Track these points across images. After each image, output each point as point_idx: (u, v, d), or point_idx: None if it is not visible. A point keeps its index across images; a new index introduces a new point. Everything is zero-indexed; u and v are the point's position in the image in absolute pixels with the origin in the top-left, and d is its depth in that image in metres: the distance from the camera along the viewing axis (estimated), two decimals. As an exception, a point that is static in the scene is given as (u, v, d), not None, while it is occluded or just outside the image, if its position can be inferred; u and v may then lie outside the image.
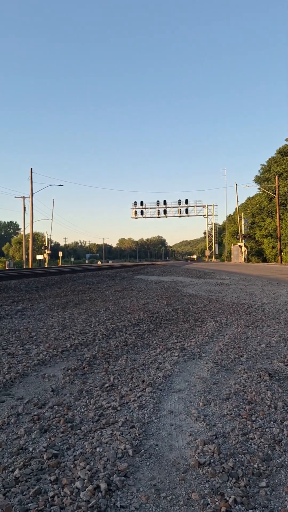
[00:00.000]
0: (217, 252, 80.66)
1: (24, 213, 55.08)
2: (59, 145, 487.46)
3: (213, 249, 79.82)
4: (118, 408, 2.38)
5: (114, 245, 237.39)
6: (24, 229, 59.65)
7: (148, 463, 1.78)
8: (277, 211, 41.20)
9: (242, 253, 51.54)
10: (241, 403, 2.44)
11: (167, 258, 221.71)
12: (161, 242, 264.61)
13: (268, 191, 47.97)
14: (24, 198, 54.32)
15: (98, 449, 1.88)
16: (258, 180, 58.18)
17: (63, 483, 1.61)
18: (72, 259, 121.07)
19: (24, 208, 54.42)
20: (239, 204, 61.85)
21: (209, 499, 1.51)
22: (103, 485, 1.56)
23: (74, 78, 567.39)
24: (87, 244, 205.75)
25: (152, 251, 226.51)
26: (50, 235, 66.67)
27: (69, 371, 3.13)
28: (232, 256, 59.41)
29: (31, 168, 49.29)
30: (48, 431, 2.10)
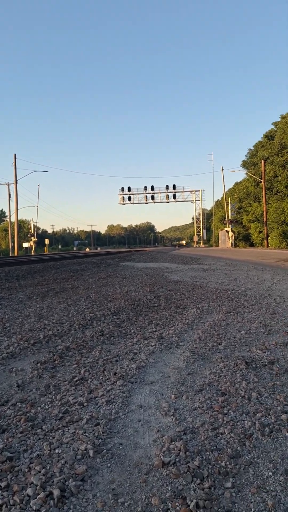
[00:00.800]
0: (205, 238, 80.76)
1: (9, 200, 54.29)
2: (44, 131, 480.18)
3: (201, 235, 79.89)
4: (85, 404, 2.26)
5: (103, 231, 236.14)
6: (10, 216, 58.85)
7: (109, 465, 1.67)
8: (264, 195, 41.18)
9: (229, 238, 51.61)
10: (214, 395, 2.35)
11: (156, 244, 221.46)
12: (150, 228, 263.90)
13: (254, 175, 47.86)
14: (8, 184, 53.43)
15: (57, 451, 1.76)
16: (245, 164, 57.98)
17: (14, 490, 1.49)
18: (60, 246, 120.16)
19: (9, 195, 53.59)
20: (226, 189, 61.72)
21: (169, 504, 1.41)
22: (56, 492, 1.45)
23: (59, 61, 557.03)
24: (75, 231, 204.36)
25: (141, 237, 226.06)
26: (36, 222, 65.91)
27: (39, 364, 3.00)
28: (219, 241, 59.49)
29: (15, 154, 48.33)
30: (6, 431, 1.98)
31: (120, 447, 1.81)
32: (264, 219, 41.26)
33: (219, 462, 1.66)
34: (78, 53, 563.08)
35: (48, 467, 1.63)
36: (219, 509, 1.38)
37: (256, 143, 56.42)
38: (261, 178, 42.23)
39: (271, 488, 1.49)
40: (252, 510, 1.38)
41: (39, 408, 2.23)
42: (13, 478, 1.57)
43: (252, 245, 54.57)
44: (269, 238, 42.94)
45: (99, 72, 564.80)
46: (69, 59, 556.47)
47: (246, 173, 54.54)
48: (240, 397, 2.30)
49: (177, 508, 1.39)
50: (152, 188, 76.15)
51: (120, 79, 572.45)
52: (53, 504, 1.40)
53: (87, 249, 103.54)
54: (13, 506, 1.40)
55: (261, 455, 1.71)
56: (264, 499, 1.43)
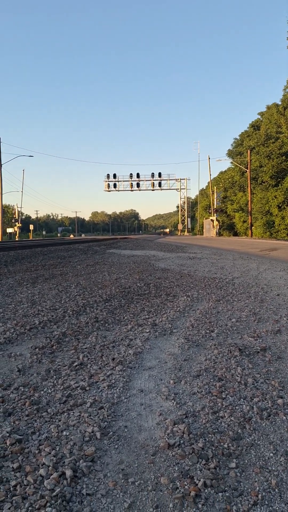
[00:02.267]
0: (189, 226, 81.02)
1: (-7, 184, 53.21)
2: (29, 116, 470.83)
3: (186, 223, 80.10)
4: (87, 388, 2.31)
5: (87, 218, 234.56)
6: (-6, 201, 57.81)
7: (116, 446, 1.72)
8: (249, 185, 41.46)
9: (214, 227, 51.91)
10: (212, 380, 2.42)
11: (140, 231, 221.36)
12: (134, 215, 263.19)
13: (240, 165, 48.06)
14: (-8, 169, 52.33)
15: (64, 433, 1.81)
16: (230, 154, 58.14)
17: (26, 470, 1.53)
18: (44, 232, 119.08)
19: (-7, 179, 52.50)
20: (212, 178, 61.86)
21: (178, 483, 1.47)
22: (68, 472, 1.49)
23: (45, 46, 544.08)
24: (59, 217, 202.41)
25: (125, 225, 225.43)
26: (21, 207, 64.92)
27: (37, 349, 3.02)
28: (204, 230, 59.81)
29: None
30: (12, 414, 2.01)
31: (126, 430, 1.86)
32: (249, 208, 41.62)
33: (222, 444, 1.72)
34: (62, 39, 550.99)
35: (57, 449, 1.68)
36: (226, 488, 1.45)
37: (242, 133, 56.60)
38: (247, 168, 42.44)
39: (273, 468, 1.57)
40: (257, 488, 1.45)
41: (42, 392, 2.26)
42: (24, 459, 1.61)
43: (236, 234, 55.08)
44: (253, 227, 43.38)
45: (85, 59, 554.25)
46: (55, 44, 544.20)
47: (232, 163, 54.72)
48: (236, 383, 2.38)
49: (186, 487, 1.45)
50: (138, 175, 75.75)
51: (107, 67, 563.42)
52: (67, 483, 1.44)
53: (71, 236, 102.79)
54: (27, 486, 1.44)
55: (261, 438, 1.79)
56: (267, 478, 1.51)
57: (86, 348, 3.08)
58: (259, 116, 53.65)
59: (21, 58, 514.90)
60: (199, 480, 1.47)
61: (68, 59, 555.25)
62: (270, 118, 47.57)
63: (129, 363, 2.73)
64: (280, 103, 46.56)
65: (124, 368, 2.62)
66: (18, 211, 63.27)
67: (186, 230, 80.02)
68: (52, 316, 4.09)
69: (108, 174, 76.27)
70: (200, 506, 1.36)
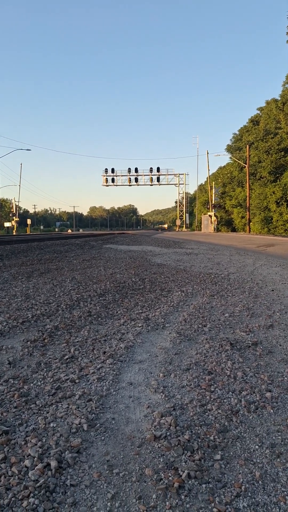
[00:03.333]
0: (187, 222, 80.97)
1: (-10, 178, 53.15)
2: (27, 109, 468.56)
3: (184, 219, 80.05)
4: (77, 381, 2.31)
5: (85, 213, 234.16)
6: (-9, 195, 57.67)
7: (103, 438, 1.73)
8: (247, 180, 41.41)
9: (212, 222, 51.88)
10: (201, 374, 2.43)
11: (138, 227, 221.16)
12: (132, 211, 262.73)
13: (239, 160, 47.97)
14: (-10, 163, 52.15)
15: (51, 424, 1.82)
16: (229, 149, 58.02)
17: (11, 461, 1.54)
18: (42, 227, 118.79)
19: (-9, 173, 52.34)
20: (210, 174, 61.77)
21: (162, 474, 1.48)
22: (53, 463, 1.50)
23: (42, 40, 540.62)
24: (57, 212, 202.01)
25: (123, 220, 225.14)
26: (18, 201, 64.78)
27: (29, 342, 3.03)
28: (202, 226, 59.78)
29: (-3, 132, 47.06)
30: (0, 406, 2.01)
31: (113, 422, 1.87)
32: (247, 204, 41.60)
33: (208, 436, 1.73)
34: (61, 32, 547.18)
35: (44, 440, 1.68)
36: (209, 479, 1.46)
37: (241, 128, 56.48)
38: (245, 163, 42.39)
39: (258, 461, 1.58)
40: (241, 480, 1.46)
41: (31, 385, 2.27)
42: (10, 450, 1.62)
43: (234, 230, 55.10)
44: (251, 223, 43.38)
45: (84, 53, 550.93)
46: (53, 38, 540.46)
47: (231, 158, 54.64)
48: (226, 376, 2.39)
49: (170, 478, 1.46)
50: (136, 170, 75.59)
51: (105, 61, 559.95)
52: (51, 474, 1.45)
53: (69, 231, 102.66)
54: (12, 477, 1.45)
55: (248, 430, 1.80)
56: (251, 470, 1.52)
57: (78, 341, 3.08)
58: (259, 111, 53.48)
59: (18, 52, 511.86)
60: (183, 472, 1.48)
61: (67, 53, 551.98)
62: (269, 114, 47.42)
63: (120, 357, 2.73)
64: (279, 98, 46.40)
65: (114, 362, 2.63)
66: (16, 205, 63.15)
67: (184, 225, 79.99)
68: (46, 310, 4.09)
69: (106, 169, 76.10)
70: (183, 497, 1.37)
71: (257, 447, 1.67)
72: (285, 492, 1.40)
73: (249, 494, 1.40)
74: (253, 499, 1.37)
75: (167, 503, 1.34)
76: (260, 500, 1.37)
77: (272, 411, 1.97)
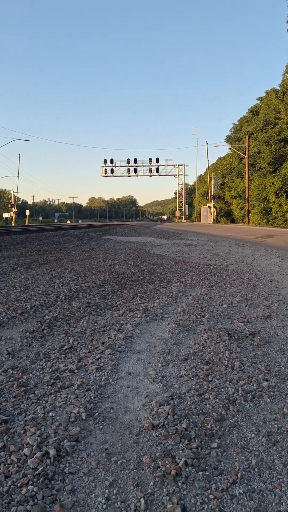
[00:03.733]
0: (187, 213, 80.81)
1: (-11, 169, 52.85)
2: (25, 98, 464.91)
3: (183, 210, 79.88)
4: (75, 371, 2.33)
5: (84, 204, 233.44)
6: (-10, 186, 57.44)
7: (101, 427, 1.75)
8: (247, 171, 41.27)
9: (211, 213, 51.81)
10: (199, 363, 2.44)
11: (138, 218, 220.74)
12: (132, 202, 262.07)
13: (238, 151, 47.74)
14: (-12, 153, 51.87)
15: (50, 414, 1.83)
16: (229, 139, 57.72)
17: (10, 450, 1.55)
18: (41, 218, 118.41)
19: (-11, 164, 52.10)
20: (210, 164, 61.55)
21: (160, 462, 1.50)
22: (52, 451, 1.52)
23: (42, 27, 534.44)
24: (56, 203, 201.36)
25: (122, 211, 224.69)
26: (17, 192, 64.60)
27: (28, 333, 3.05)
28: (201, 217, 59.70)
29: (-5, 122, 46.75)
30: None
31: (111, 411, 1.89)
32: (247, 195, 41.50)
33: (205, 425, 1.75)
34: (60, 23, 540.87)
35: (43, 429, 1.70)
36: (206, 467, 1.48)
37: (240, 118, 56.13)
38: (245, 154, 42.20)
39: (254, 449, 1.60)
40: (237, 468, 1.48)
41: (30, 375, 2.29)
42: (9, 439, 1.64)
43: (233, 221, 55.03)
44: (250, 214, 43.32)
45: (84, 43, 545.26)
46: (52, 27, 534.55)
47: (230, 148, 54.34)
48: (223, 366, 2.41)
49: (167, 466, 1.48)
50: (135, 161, 75.19)
51: (104, 51, 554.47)
52: (50, 462, 1.47)
53: (68, 222, 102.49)
54: (11, 465, 1.47)
55: (244, 419, 1.82)
56: (248, 458, 1.54)
57: (76, 332, 3.10)
58: (258, 102, 53.11)
59: (16, 39, 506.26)
60: (181, 460, 1.50)
61: (65, 42, 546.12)
62: (269, 104, 47.11)
63: (118, 347, 2.75)
64: (279, 88, 46.05)
65: (113, 352, 2.65)
66: (14, 196, 62.93)
67: (183, 217, 79.86)
68: (44, 301, 4.10)
69: (105, 159, 75.64)
70: (180, 484, 1.39)
71: (253, 435, 1.69)
72: (280, 480, 1.42)
73: (245, 481, 1.42)
74: (249, 486, 1.40)
75: (164, 490, 1.37)
76: (256, 487, 1.39)
77: (269, 400, 1.99)
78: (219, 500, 1.32)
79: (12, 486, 1.35)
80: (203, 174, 75.86)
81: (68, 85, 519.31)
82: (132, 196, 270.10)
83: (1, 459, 1.50)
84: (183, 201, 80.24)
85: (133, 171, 75.86)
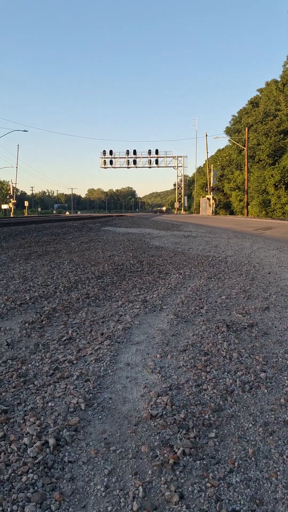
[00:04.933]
0: (186, 205, 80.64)
1: (-13, 160, 52.53)
2: (24, 89, 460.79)
3: (183, 202, 79.70)
4: (74, 362, 2.34)
5: (83, 195, 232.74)
6: (-12, 177, 57.15)
7: (100, 417, 1.77)
8: (246, 163, 41.11)
9: (210, 205, 51.71)
10: (198, 355, 2.46)
11: (137, 209, 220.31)
12: (131, 193, 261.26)
13: (237, 143, 47.51)
14: (-13, 144, 51.52)
15: (50, 404, 1.85)
16: (228, 131, 57.37)
17: (10, 439, 1.57)
18: (39, 209, 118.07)
19: (-12, 155, 51.78)
20: (209, 156, 61.29)
21: (158, 451, 1.52)
22: (51, 441, 1.53)
23: (39, 13, 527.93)
24: (55, 194, 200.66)
25: (122, 203, 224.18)
26: (15, 183, 64.23)
27: (27, 324, 3.06)
28: (200, 209, 59.57)
29: (-6, 112, 46.37)
30: (-1, 386, 2.04)
31: (110, 401, 1.90)
32: (246, 187, 41.40)
33: (203, 415, 1.77)
34: (57, 10, 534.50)
35: (42, 419, 1.72)
36: (204, 456, 1.50)
37: (240, 110, 55.74)
38: (244, 146, 42.01)
39: (251, 438, 1.62)
40: (234, 457, 1.50)
41: (29, 365, 2.30)
42: (9, 429, 1.65)
43: (232, 213, 54.95)
44: (249, 206, 43.26)
45: (82, 33, 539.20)
46: (48, 17, 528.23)
47: (229, 140, 54.09)
48: (221, 357, 2.42)
49: (165, 455, 1.49)
50: (135, 152, 74.83)
51: (103, 40, 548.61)
52: (49, 451, 1.49)
53: (67, 213, 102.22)
54: (11, 454, 1.48)
55: (242, 409, 1.83)
56: (245, 448, 1.55)
57: (75, 323, 3.11)
58: (258, 93, 52.70)
59: (14, 30, 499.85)
60: (179, 449, 1.52)
61: (64, 31, 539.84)
62: (269, 95, 46.78)
63: (117, 338, 2.77)
64: (279, 79, 45.68)
65: (112, 343, 2.66)
66: (13, 187, 62.63)
67: (182, 208, 79.70)
68: (43, 292, 4.11)
69: (104, 151, 75.26)
70: (177, 473, 1.41)
71: (250, 425, 1.71)
72: (276, 468, 1.44)
73: (242, 470, 1.44)
74: (245, 475, 1.41)
75: (162, 478, 1.38)
76: (252, 475, 1.41)
77: (266, 391, 2.01)
78: (216, 488, 1.34)
79: (12, 474, 1.37)
80: (202, 166, 75.56)
81: (67, 76, 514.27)
82: (131, 188, 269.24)
83: (1, 448, 1.51)
84: (182, 193, 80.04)
85: (132, 163, 75.55)
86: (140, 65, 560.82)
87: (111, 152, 75.18)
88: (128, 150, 74.99)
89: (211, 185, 51.93)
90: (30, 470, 1.39)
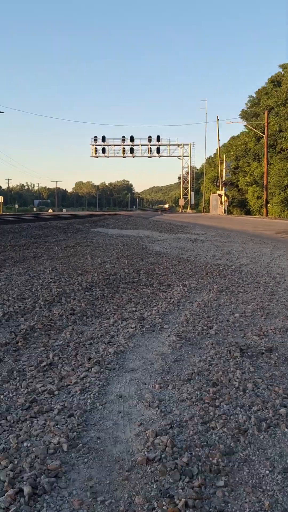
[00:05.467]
0: (193, 202, 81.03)
1: None
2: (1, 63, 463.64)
3: (189, 198, 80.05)
4: (56, 393, 2.34)
5: (69, 189, 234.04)
6: None
7: (85, 460, 1.76)
8: (265, 154, 41.35)
9: (222, 203, 51.95)
10: (205, 385, 2.46)
11: (134, 207, 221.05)
12: (127, 187, 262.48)
13: (255, 129, 47.84)
14: None
15: (25, 444, 1.84)
16: (244, 115, 57.87)
17: (-23, 487, 1.56)
18: (17, 206, 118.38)
19: None
20: (221, 145, 61.66)
21: (155, 503, 1.51)
22: (26, 489, 1.53)
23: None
24: (35, 188, 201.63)
25: (116, 198, 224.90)
26: (-11, 175, 64.39)
27: (-1, 346, 3.06)
28: (210, 207, 59.91)
29: None
30: None
31: (98, 441, 1.90)
32: (265, 182, 41.58)
33: (211, 459, 1.77)
34: None
35: (16, 462, 1.71)
36: (210, 509, 1.50)
37: (259, 89, 56.15)
38: (263, 133, 42.23)
39: (268, 488, 1.61)
40: (247, 510, 1.50)
41: (1, 397, 2.30)
42: (-25, 474, 1.65)
43: (248, 212, 55.13)
44: (269, 205, 43.41)
45: (76, 5, 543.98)
46: None
47: (246, 126, 54.39)
48: (234, 388, 2.42)
49: (164, 507, 1.49)
50: (132, 139, 75.22)
51: (101, 13, 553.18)
52: (24, 502, 1.48)
53: (50, 211, 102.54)
54: (-23, 505, 1.48)
55: (257, 452, 1.83)
56: (260, 499, 1.55)
57: (58, 345, 3.11)
58: (281, 69, 53.17)
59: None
60: (180, 500, 1.51)
61: (57, 5, 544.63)
62: (294, 72, 47.25)
63: (108, 364, 2.77)
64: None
65: (101, 370, 2.66)
66: (-14, 180, 62.71)
67: (189, 206, 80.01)
68: (20, 306, 4.12)
69: (95, 137, 75.66)
70: (179, 530, 1.41)
71: (267, 472, 1.70)
72: (298, 525, 1.44)
73: (257, 527, 1.43)
74: (261, 533, 1.41)
75: (160, 536, 1.38)
76: (269, 534, 1.41)
77: (286, 430, 2.01)
78: None
79: (-22, 531, 1.36)
80: (212, 156, 75.97)
81: (54, 51, 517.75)
82: (128, 181, 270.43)
83: None
84: (189, 188, 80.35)
85: (129, 151, 75.92)
86: (140, 39, 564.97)
87: (103, 139, 75.54)
88: (124, 137, 75.39)
89: (223, 179, 52.15)
90: (0, 525, 1.38)
